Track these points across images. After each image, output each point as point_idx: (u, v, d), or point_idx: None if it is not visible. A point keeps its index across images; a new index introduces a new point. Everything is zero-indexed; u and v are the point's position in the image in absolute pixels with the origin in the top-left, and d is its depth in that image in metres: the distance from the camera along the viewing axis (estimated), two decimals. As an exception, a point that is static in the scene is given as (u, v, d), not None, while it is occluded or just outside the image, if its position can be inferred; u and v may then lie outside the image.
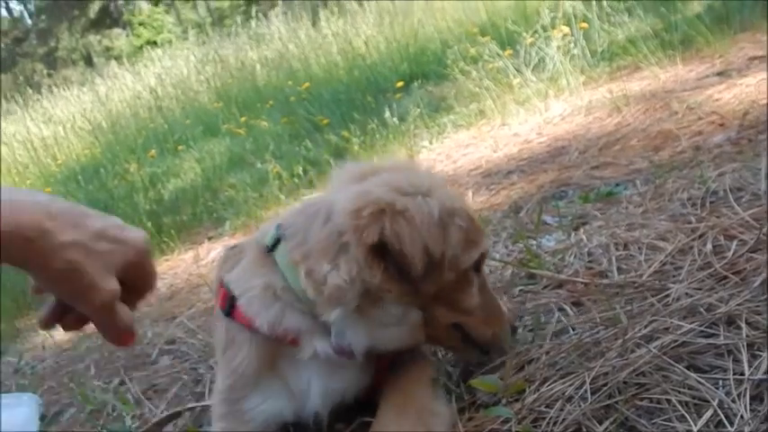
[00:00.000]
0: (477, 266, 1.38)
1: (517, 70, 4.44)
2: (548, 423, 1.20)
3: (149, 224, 4.80)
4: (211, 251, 4.06)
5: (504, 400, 1.31)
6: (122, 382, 2.30)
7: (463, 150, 3.93)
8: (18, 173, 9.84)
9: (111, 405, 2.07)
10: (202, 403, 1.80)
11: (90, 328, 3.23)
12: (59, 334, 3.31)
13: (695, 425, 1.09)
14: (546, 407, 1.25)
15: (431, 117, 4.64)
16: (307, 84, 6.82)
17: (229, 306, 1.37)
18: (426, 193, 1.28)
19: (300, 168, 4.52)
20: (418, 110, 4.54)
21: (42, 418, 2.15)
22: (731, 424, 1.07)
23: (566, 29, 4.28)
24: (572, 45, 4.27)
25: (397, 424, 1.22)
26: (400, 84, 5.72)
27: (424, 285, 1.26)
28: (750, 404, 1.10)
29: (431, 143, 4.30)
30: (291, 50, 9.01)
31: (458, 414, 1.30)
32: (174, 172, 6.97)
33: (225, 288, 1.39)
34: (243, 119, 6.88)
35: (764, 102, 2.65)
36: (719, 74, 3.38)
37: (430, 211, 1.25)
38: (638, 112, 3.26)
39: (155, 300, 3.44)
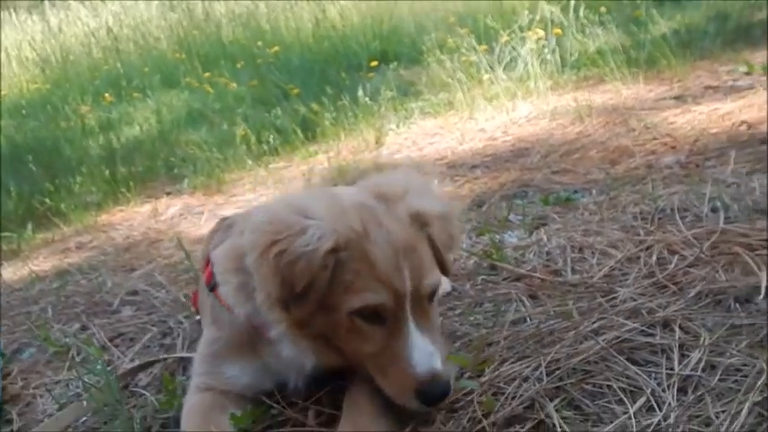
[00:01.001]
0: (367, 317, 1.31)
1: (490, 67, 4.58)
2: (506, 398, 1.37)
3: (105, 171, 4.76)
4: (170, 207, 4.08)
5: (467, 375, 1.47)
6: (84, 328, 2.34)
7: (430, 139, 4.07)
8: (-49, 100, 9.41)
9: (76, 348, 2.12)
10: (176, 355, 1.89)
11: (43, 269, 3.22)
12: (9, 273, 3.31)
13: (631, 408, 1.28)
14: (504, 384, 1.42)
15: (399, 101, 4.75)
16: (276, 48, 6.79)
17: (213, 284, 1.49)
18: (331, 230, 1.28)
19: (270, 135, 4.56)
20: (390, 92, 4.63)
21: (1, 355, 2.18)
22: (660, 410, 1.27)
23: (541, 32, 4.44)
24: (545, 49, 4.44)
25: (371, 395, 1.35)
26: (374, 63, 5.79)
27: (294, 312, 1.31)
28: (677, 395, 1.30)
29: (398, 127, 4.41)
30: (261, 9, 8.85)
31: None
32: (127, 120, 6.85)
33: (210, 266, 1.51)
34: (206, 74, 6.80)
35: (714, 131, 2.89)
36: (677, 98, 3.62)
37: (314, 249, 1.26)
38: (598, 125, 3.48)
39: (111, 249, 3.47)
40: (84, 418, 1.60)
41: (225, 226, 1.64)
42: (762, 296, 1.55)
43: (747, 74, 3.68)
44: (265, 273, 1.28)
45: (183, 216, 3.87)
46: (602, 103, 3.84)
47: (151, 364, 1.85)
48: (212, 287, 1.50)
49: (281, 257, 1.25)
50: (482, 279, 2.00)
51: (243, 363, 1.47)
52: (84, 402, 1.64)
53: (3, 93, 8.99)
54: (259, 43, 7.35)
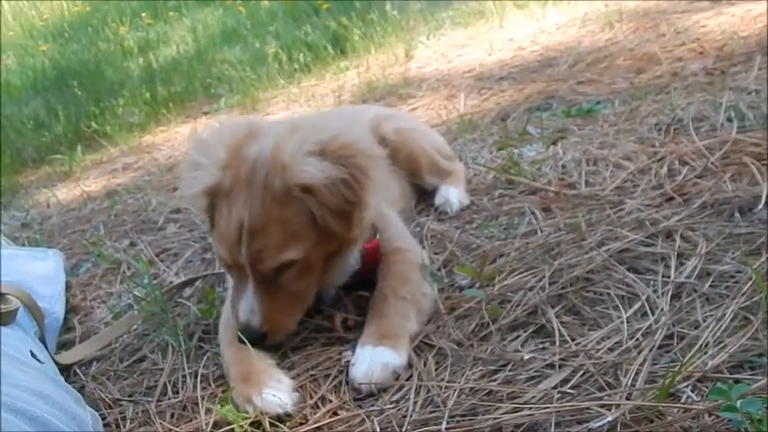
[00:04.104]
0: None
1: (522, -29, 4.46)
2: (512, 305, 1.49)
3: (145, 92, 4.89)
4: (209, 127, 4.19)
5: (477, 284, 1.59)
6: (132, 244, 2.52)
7: (459, 51, 4.05)
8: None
9: (126, 263, 2.30)
10: (216, 271, 2.03)
11: (94, 189, 3.42)
12: (63, 194, 3.52)
13: (625, 313, 1.39)
14: (511, 293, 1.54)
15: (430, 11, 4.69)
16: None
17: None
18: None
19: (300, 54, 4.58)
20: (419, 4, 4.57)
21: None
22: (653, 314, 1.37)
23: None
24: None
25: (395, 302, 1.49)
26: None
27: None
28: (670, 301, 1.39)
29: (428, 39, 4.38)
30: None
31: (438, 294, 1.58)
32: (164, 40, 6.92)
33: None
34: (239, -10, 6.78)
35: (744, 34, 2.82)
36: (711, -2, 3.50)
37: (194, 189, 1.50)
38: (628, 30, 3.41)
39: (155, 169, 3.63)
40: (136, 326, 1.79)
41: None
42: (762, 205, 1.60)
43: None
44: (186, 197, 1.54)
45: (221, 136, 3.97)
46: (633, 7, 3.73)
47: (195, 280, 2.00)
48: None
49: (188, 187, 1.50)
50: (499, 193, 2.08)
51: None
52: (135, 312, 1.82)
53: (45, 16, 9.13)
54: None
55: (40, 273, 2.06)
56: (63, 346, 1.83)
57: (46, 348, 1.61)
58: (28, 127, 4.80)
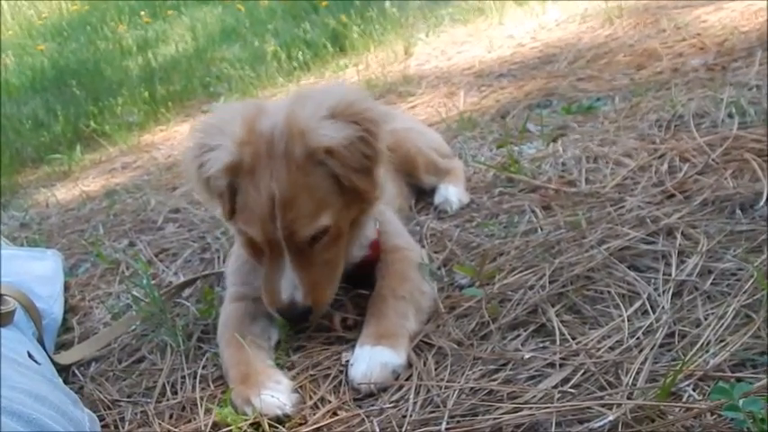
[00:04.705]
0: (251, 242, 1.50)
1: (521, -34, 4.45)
2: (512, 304, 1.48)
3: (144, 92, 4.88)
4: (208, 125, 4.18)
5: (477, 283, 1.58)
6: (132, 244, 2.51)
7: (458, 48, 4.03)
8: (-2, 22, 9.59)
9: (125, 263, 2.29)
10: (215, 271, 2.03)
11: (93, 189, 3.40)
12: (62, 193, 3.51)
13: (626, 311, 1.38)
14: (511, 291, 1.53)
15: (429, 8, 4.67)
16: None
17: None
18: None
19: (300, 52, 4.57)
20: (418, 2, 4.56)
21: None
22: (654, 312, 1.36)
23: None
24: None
25: (393, 301, 1.48)
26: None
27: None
28: (671, 299, 1.38)
29: (427, 36, 4.37)
30: None
31: (438, 293, 1.58)
32: (163, 38, 6.90)
33: None
34: (237, -12, 6.76)
35: (745, 29, 2.81)
36: (710, -8, 3.48)
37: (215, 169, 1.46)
38: (628, 26, 3.40)
39: (153, 168, 3.62)
40: (134, 327, 1.78)
41: None
42: (763, 202, 1.59)
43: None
44: (195, 185, 1.51)
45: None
46: (633, 3, 3.71)
47: (194, 281, 1.99)
48: None
49: (200, 172, 1.47)
50: (499, 191, 2.07)
51: None
52: (134, 312, 1.82)
53: (44, 15, 9.12)
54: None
55: (39, 273, 2.06)
56: (62, 346, 1.82)
57: (44, 349, 1.60)
58: (27, 127, 4.79)
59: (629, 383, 1.16)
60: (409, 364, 1.37)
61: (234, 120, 1.48)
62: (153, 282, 2.08)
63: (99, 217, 2.89)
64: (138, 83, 5.23)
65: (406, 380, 1.33)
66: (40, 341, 1.63)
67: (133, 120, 4.66)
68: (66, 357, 1.65)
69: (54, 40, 7.96)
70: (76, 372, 1.64)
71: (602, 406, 1.11)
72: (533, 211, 1.88)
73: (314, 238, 1.43)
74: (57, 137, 4.53)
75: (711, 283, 1.39)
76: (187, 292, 1.94)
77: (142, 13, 7.68)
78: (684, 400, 1.11)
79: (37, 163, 4.28)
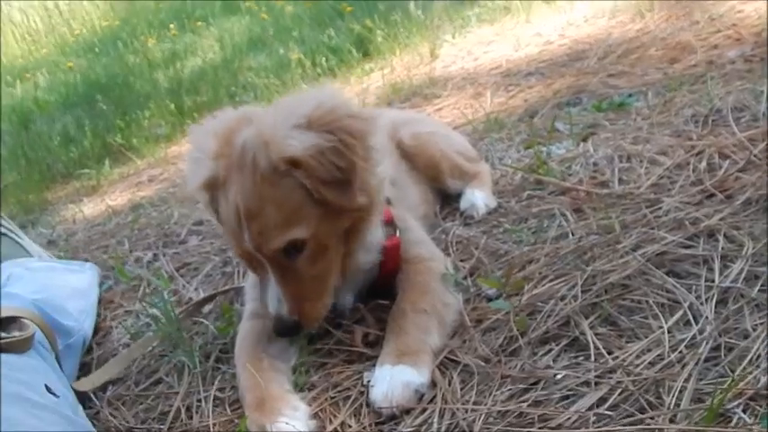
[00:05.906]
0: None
1: (548, -37, 4.34)
2: (542, 316, 1.39)
3: (171, 104, 4.89)
4: (234, 136, 4.16)
5: (504, 295, 1.49)
6: (155, 257, 2.49)
7: (485, 47, 3.94)
8: (33, 41, 9.80)
9: (147, 280, 2.26)
10: (234, 286, 1.98)
11: (120, 203, 3.40)
12: (89, 209, 3.51)
13: (666, 322, 1.28)
14: (541, 303, 1.44)
15: (455, 9, 4.60)
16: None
17: None
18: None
19: (323, 58, 4.53)
20: (444, 3, 4.48)
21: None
22: (697, 323, 1.25)
23: None
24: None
25: (414, 316, 1.40)
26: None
27: None
28: (715, 307, 1.28)
29: (453, 37, 4.29)
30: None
31: (464, 304, 1.49)
32: (191, 50, 6.95)
33: None
34: (265, -3, 6.77)
35: (785, 18, 2.67)
36: (746, -18, 3.33)
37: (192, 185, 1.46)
38: (660, 19, 3.27)
39: (179, 180, 3.61)
40: (151, 348, 1.74)
41: None
42: (812, 200, 1.48)
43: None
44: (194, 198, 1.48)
45: (245, 145, 3.95)
46: (665, -5, 3.59)
47: (214, 297, 1.94)
48: None
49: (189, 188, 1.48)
50: (527, 194, 1.98)
51: None
52: (152, 333, 1.77)
53: (75, 32, 9.29)
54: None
55: (75, 285, 2.04)
56: (81, 368, 1.78)
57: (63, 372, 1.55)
58: (56, 143, 4.84)
59: (672, 405, 1.07)
60: (433, 383, 1.29)
61: (212, 130, 1.44)
62: (173, 298, 2.06)
63: (124, 232, 2.87)
64: (166, 95, 5.26)
65: (430, 402, 1.25)
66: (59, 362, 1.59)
67: (160, 132, 4.67)
68: (84, 384, 1.60)
69: (86, 56, 8.08)
70: (93, 396, 1.60)
71: (643, 431, 1.02)
72: (564, 215, 1.79)
73: (287, 251, 1.36)
74: (86, 152, 4.56)
75: (759, 290, 1.28)
76: (207, 308, 1.90)
77: (171, 25, 7.75)
78: (734, 423, 1.01)
79: (67, 179, 4.31)
